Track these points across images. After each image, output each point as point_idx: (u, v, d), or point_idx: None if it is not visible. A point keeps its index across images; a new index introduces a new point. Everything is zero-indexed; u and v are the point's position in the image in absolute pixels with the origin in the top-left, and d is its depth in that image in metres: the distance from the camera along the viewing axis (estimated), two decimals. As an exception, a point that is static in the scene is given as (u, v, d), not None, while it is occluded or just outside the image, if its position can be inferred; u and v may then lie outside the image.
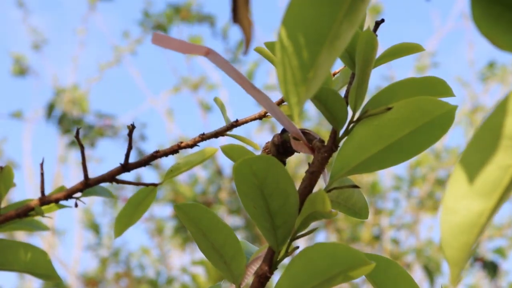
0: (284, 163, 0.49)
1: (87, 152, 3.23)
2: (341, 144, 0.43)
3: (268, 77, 3.37)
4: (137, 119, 3.35)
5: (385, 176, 3.26)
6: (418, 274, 3.03)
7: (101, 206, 3.47)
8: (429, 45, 3.38)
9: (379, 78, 3.40)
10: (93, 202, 3.41)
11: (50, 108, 3.14)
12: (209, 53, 0.41)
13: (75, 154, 3.31)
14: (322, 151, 0.43)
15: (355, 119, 0.43)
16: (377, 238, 3.09)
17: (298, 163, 3.10)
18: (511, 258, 3.11)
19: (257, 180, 0.39)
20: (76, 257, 3.42)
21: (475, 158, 0.29)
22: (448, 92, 0.45)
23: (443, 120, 0.40)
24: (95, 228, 3.32)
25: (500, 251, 2.96)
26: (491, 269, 2.87)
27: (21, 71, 3.31)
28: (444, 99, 0.41)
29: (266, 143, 0.49)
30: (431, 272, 2.84)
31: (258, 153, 0.50)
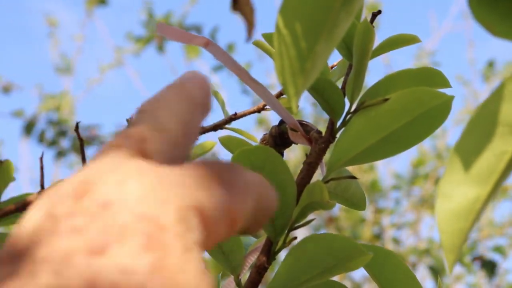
0: (282, 155, 0.49)
1: (76, 160, 3.22)
2: (338, 135, 0.43)
3: (265, 78, 3.36)
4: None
5: (386, 174, 3.26)
6: (421, 274, 3.03)
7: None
8: (429, 44, 3.38)
9: (377, 74, 3.39)
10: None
11: (29, 126, 3.11)
12: (208, 44, 0.42)
13: (66, 161, 3.28)
14: (320, 142, 0.43)
15: (352, 110, 0.43)
16: (377, 236, 3.09)
17: (298, 162, 3.10)
18: (511, 257, 3.09)
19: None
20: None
21: (470, 144, 0.29)
22: (445, 83, 0.45)
23: (440, 110, 0.40)
24: None
25: (499, 250, 2.95)
26: (490, 268, 2.86)
27: (5, 89, 3.27)
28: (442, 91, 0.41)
29: (264, 134, 0.49)
30: (436, 272, 2.83)
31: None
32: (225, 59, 0.42)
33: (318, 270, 0.40)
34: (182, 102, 0.24)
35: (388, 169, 3.25)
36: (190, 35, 0.42)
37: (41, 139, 3.07)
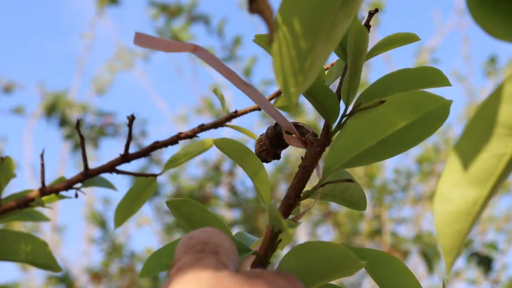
0: (279, 156, 0.48)
1: (91, 153, 3.22)
2: (334, 138, 0.42)
3: (268, 73, 3.36)
4: (137, 115, 3.32)
5: (386, 170, 3.25)
6: (416, 263, 3.03)
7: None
8: (431, 42, 3.37)
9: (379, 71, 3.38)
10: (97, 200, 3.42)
11: (50, 109, 3.10)
12: (196, 50, 0.41)
13: (77, 155, 3.28)
14: (315, 146, 0.42)
15: (348, 112, 0.42)
16: (377, 231, 3.09)
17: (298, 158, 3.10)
18: (510, 253, 3.10)
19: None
20: (80, 253, 3.43)
21: (469, 146, 0.29)
22: (444, 82, 0.44)
23: (438, 114, 0.39)
24: (100, 222, 3.31)
25: (492, 246, 2.96)
26: (486, 263, 2.88)
27: (6, 89, 3.27)
28: (440, 94, 0.40)
29: (260, 135, 0.48)
30: (429, 259, 2.84)
31: (254, 144, 0.50)
32: (215, 63, 0.41)
33: (311, 278, 0.40)
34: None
35: (388, 163, 3.25)
36: (175, 43, 0.40)
37: (62, 122, 3.06)
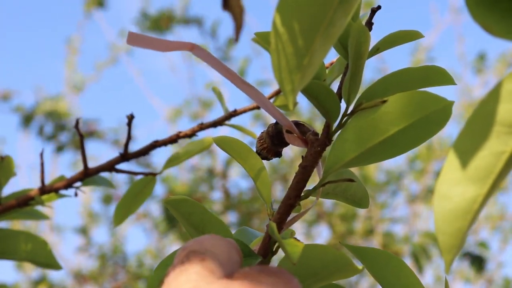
0: (280, 154, 0.48)
1: (74, 157, 3.20)
2: (335, 137, 0.42)
3: (262, 74, 3.34)
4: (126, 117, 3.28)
5: (381, 169, 3.25)
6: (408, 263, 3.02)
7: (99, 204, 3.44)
8: (427, 39, 3.36)
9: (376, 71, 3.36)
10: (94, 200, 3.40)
11: (28, 119, 3.10)
12: (194, 48, 0.40)
13: (64, 156, 3.24)
14: (316, 145, 0.42)
15: (349, 112, 0.42)
16: (371, 231, 3.08)
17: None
18: (505, 251, 3.10)
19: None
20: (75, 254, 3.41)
21: (468, 144, 0.29)
22: (449, 81, 0.43)
23: (440, 115, 0.38)
24: (83, 231, 3.31)
25: (483, 245, 2.97)
26: (478, 263, 2.88)
27: (4, 97, 3.26)
28: (441, 95, 0.39)
29: (261, 132, 0.48)
30: (419, 260, 2.84)
31: (254, 142, 0.50)
32: (214, 62, 0.41)
33: (310, 280, 0.40)
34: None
35: (385, 162, 3.24)
36: (172, 42, 0.40)
37: (40, 132, 3.06)
